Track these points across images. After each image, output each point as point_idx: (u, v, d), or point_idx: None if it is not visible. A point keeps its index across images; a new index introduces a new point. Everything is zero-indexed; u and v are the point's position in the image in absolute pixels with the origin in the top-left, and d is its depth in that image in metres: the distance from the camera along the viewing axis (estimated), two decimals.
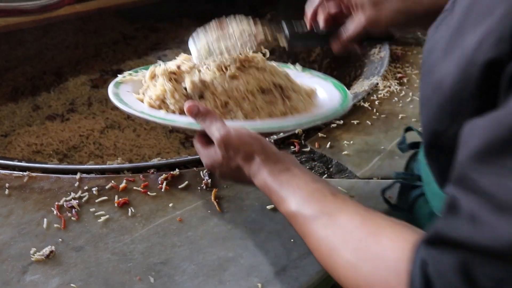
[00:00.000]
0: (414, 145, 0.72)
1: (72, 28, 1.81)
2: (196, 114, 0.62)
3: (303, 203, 0.50)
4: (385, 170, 0.86)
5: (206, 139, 0.63)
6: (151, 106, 0.73)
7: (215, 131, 0.59)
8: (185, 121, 0.66)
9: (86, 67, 1.59)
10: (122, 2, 1.40)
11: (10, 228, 0.72)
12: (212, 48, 0.75)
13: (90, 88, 1.48)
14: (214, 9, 2.15)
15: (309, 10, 0.71)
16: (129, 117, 1.39)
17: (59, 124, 1.29)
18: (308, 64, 1.88)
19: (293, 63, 1.93)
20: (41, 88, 1.48)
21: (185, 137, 1.46)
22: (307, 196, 0.50)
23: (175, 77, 0.73)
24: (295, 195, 0.51)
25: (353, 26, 0.67)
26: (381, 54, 1.35)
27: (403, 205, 0.68)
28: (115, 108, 1.37)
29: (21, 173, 0.83)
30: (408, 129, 0.75)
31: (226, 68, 0.73)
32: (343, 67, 1.67)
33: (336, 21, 0.69)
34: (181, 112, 0.70)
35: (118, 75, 0.82)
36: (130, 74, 0.82)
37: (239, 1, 2.13)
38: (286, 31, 0.71)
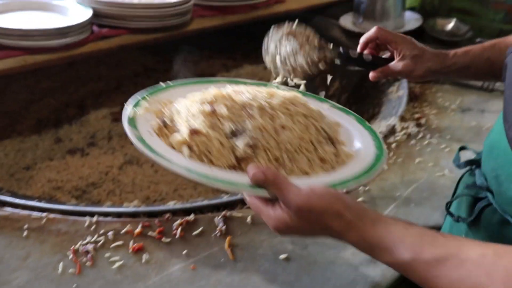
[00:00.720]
0: (471, 163, 0.78)
1: (94, 61, 1.86)
2: (264, 182, 0.56)
3: (418, 249, 0.49)
4: None
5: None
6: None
7: (292, 197, 0.54)
8: (246, 184, 0.58)
9: (107, 100, 1.63)
10: (144, 39, 1.44)
11: (27, 272, 0.74)
12: (281, 57, 0.80)
13: (110, 122, 1.52)
14: (236, 41, 2.19)
15: (362, 40, 0.91)
16: None
17: (79, 159, 1.32)
18: (327, 98, 1.89)
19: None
20: (64, 121, 1.52)
21: None
22: (417, 242, 0.49)
23: (212, 121, 0.64)
24: (403, 242, 0.50)
25: (392, 68, 0.87)
26: (399, 93, 1.35)
27: (466, 217, 0.71)
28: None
29: (39, 213, 0.85)
30: (462, 148, 0.84)
31: (270, 115, 0.65)
32: (360, 103, 1.67)
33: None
34: (229, 167, 0.62)
35: (126, 107, 0.70)
36: (144, 99, 0.71)
37: (256, 35, 2.16)
38: (342, 51, 0.88)
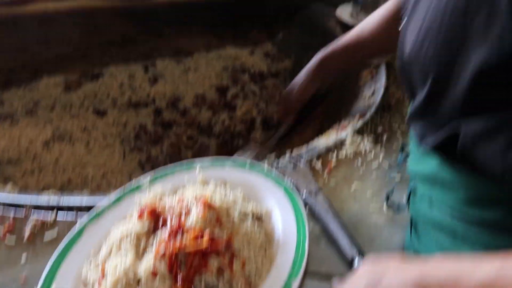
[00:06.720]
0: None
1: (71, 22, 1.74)
2: None
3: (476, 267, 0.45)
4: None
5: None
6: None
7: None
8: None
9: (69, 66, 1.50)
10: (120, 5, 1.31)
11: None
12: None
13: (61, 91, 1.40)
14: (228, 19, 2.04)
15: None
16: (85, 128, 1.28)
17: (5, 127, 1.20)
18: None
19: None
20: (14, 83, 1.41)
21: (147, 156, 1.35)
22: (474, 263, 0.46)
23: None
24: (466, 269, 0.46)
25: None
26: (372, 99, 1.17)
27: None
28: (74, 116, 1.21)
29: None
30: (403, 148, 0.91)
31: None
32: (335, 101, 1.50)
33: None
34: None
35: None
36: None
37: (254, 15, 2.00)
38: None
